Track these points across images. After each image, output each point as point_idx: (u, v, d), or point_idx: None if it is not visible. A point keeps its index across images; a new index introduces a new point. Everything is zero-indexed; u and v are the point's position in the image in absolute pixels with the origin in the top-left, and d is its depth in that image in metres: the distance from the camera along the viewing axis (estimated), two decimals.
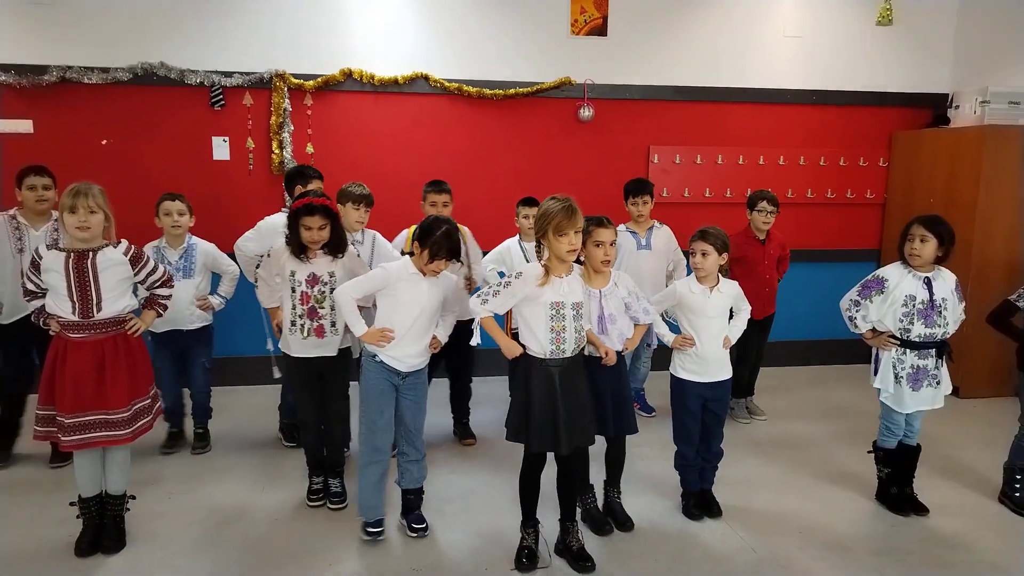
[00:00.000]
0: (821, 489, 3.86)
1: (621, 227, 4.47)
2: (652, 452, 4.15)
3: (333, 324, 3.40)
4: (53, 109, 5.03)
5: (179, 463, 4.07)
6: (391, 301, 3.18)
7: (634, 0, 5.62)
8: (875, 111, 6.03)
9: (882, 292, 3.42)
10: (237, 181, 5.30)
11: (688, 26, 5.73)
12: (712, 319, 3.38)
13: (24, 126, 5.02)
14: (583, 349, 3.03)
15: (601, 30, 5.61)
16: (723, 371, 3.43)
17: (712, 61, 5.79)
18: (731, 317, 3.53)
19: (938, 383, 3.45)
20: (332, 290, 3.32)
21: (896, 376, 3.43)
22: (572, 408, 2.91)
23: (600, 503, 3.47)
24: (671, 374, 3.48)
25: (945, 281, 3.42)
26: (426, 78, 5.41)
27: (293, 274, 3.36)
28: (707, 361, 3.37)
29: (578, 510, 3.28)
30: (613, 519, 3.40)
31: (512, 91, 5.51)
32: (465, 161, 5.54)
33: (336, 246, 3.38)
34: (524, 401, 2.93)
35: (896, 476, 3.60)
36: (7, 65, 4.92)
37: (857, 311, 3.49)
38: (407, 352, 3.20)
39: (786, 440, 4.52)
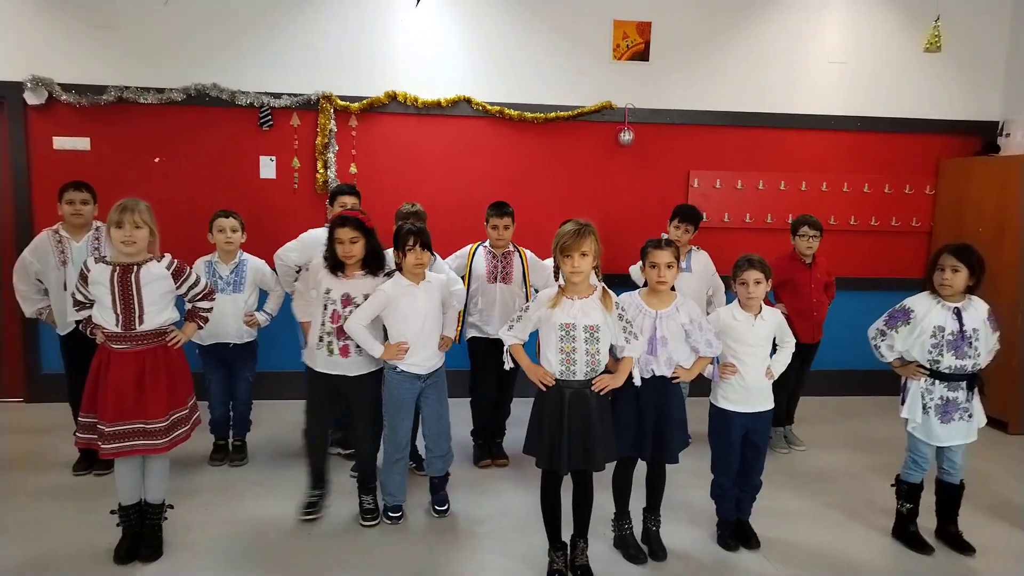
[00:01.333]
0: (859, 525, 3.77)
1: None
2: (688, 480, 4.00)
3: (359, 345, 3.44)
4: (109, 127, 5.23)
5: (217, 474, 4.15)
6: (396, 316, 3.41)
7: (677, 26, 5.64)
8: (921, 138, 5.94)
9: (908, 323, 3.37)
10: (282, 199, 5.42)
11: (731, 51, 5.73)
12: (755, 347, 3.33)
13: (82, 143, 5.21)
14: (602, 374, 3.01)
15: (643, 55, 5.64)
16: (765, 402, 3.37)
17: (754, 86, 5.78)
18: (774, 349, 3.47)
19: (970, 416, 3.35)
20: None
21: (924, 407, 3.35)
22: (578, 431, 2.93)
23: (640, 530, 3.42)
24: (711, 403, 3.43)
25: (977, 311, 3.33)
26: (468, 101, 5.49)
27: (328, 292, 3.43)
28: (750, 391, 3.31)
29: (612, 535, 3.36)
30: (648, 547, 3.36)
31: (553, 115, 5.56)
32: (506, 184, 5.59)
33: (373, 263, 3.45)
34: (537, 418, 3.02)
35: (916, 515, 3.52)
36: (68, 85, 5.12)
37: (883, 340, 3.44)
38: (422, 356, 3.46)
39: (825, 472, 4.43)
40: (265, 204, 5.37)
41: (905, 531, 3.53)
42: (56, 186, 5.17)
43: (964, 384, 3.33)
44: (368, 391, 3.55)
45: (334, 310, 3.42)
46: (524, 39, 5.54)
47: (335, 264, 3.41)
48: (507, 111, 5.52)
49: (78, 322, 3.23)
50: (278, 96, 5.32)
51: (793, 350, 3.48)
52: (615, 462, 3.21)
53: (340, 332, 3.42)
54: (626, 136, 5.61)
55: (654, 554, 3.35)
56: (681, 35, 5.66)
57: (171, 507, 3.37)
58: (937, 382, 3.33)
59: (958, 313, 3.29)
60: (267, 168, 5.42)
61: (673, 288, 3.26)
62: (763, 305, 3.39)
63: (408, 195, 5.35)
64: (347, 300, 3.42)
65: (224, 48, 5.29)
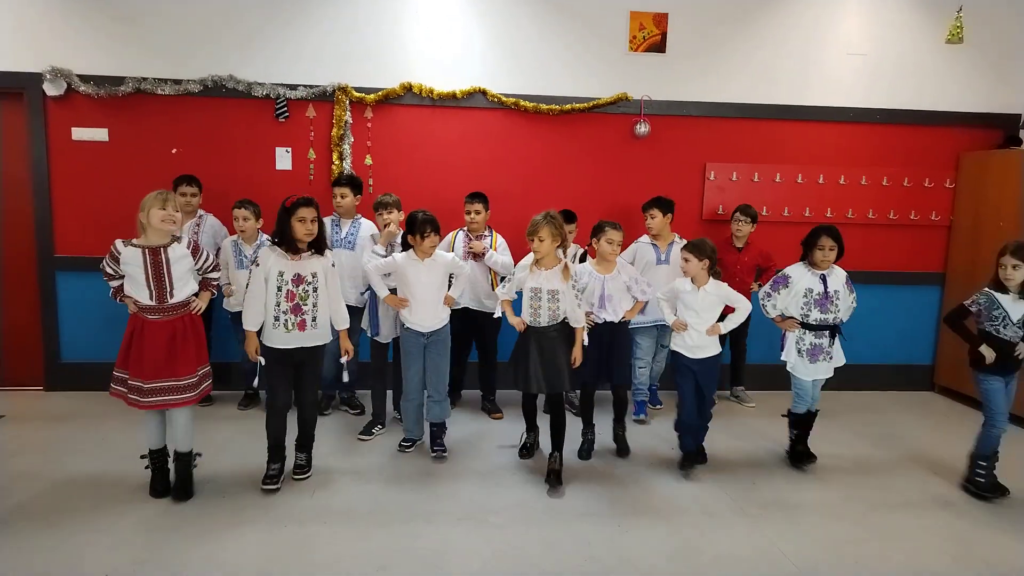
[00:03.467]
0: (879, 517, 3.75)
1: (644, 239, 5.10)
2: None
3: (314, 319, 3.78)
4: (127, 118, 5.27)
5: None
6: (402, 282, 4.20)
7: (693, 17, 5.60)
8: (942, 131, 5.87)
9: (787, 286, 4.18)
10: (298, 190, 5.36)
11: (748, 43, 5.68)
12: (699, 312, 4.11)
13: (100, 134, 5.26)
14: (562, 321, 3.93)
15: (659, 47, 5.60)
16: (708, 351, 4.14)
17: (772, 78, 5.73)
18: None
19: (831, 358, 4.22)
20: (315, 289, 3.76)
21: (799, 351, 4.20)
22: (542, 362, 3.90)
23: (612, 436, 4.50)
24: (671, 349, 4.28)
25: (838, 277, 4.19)
26: (484, 93, 5.48)
27: (281, 274, 3.71)
28: (696, 344, 4.13)
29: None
30: (618, 448, 4.44)
31: (569, 106, 5.54)
32: (520, 175, 5.59)
33: (321, 244, 3.80)
34: (515, 356, 4.02)
35: (805, 438, 4.36)
36: (87, 76, 5.16)
37: (769, 301, 4.27)
38: (423, 318, 4.19)
39: (842, 466, 4.40)
40: (281, 195, 5.26)
41: (794, 451, 4.39)
42: (75, 176, 5.27)
43: (827, 333, 4.18)
44: (318, 361, 3.93)
45: (289, 290, 3.72)
46: (540, 30, 5.52)
47: (291, 244, 3.68)
48: (523, 103, 5.50)
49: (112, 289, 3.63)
50: (294, 88, 5.34)
51: (747, 311, 4.17)
52: (581, 391, 4.41)
53: (295, 309, 3.73)
54: (642, 128, 5.58)
55: (620, 452, 4.42)
56: (698, 27, 5.62)
57: (199, 455, 3.80)
58: (808, 332, 4.17)
59: (824, 279, 4.13)
60: (283, 159, 5.44)
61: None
62: (710, 279, 4.10)
63: (423, 186, 5.39)
64: (299, 279, 3.73)
65: (241, 40, 5.31)
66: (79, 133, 5.25)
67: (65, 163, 5.25)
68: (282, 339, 3.74)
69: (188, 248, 3.56)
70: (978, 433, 4.00)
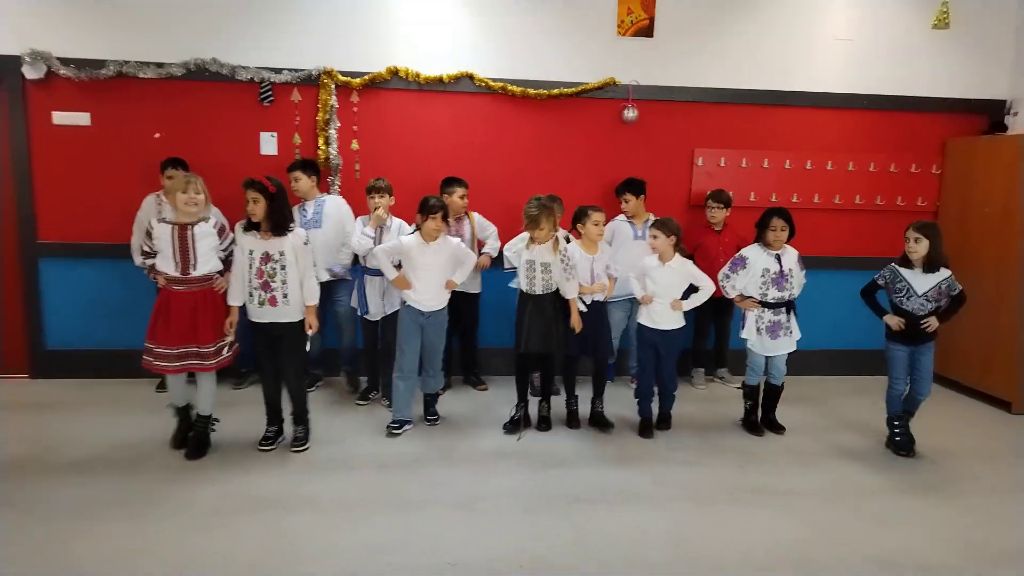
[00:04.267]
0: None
1: (621, 217, 5.36)
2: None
3: (285, 296, 3.98)
4: (109, 102, 5.18)
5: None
6: (408, 263, 4.41)
7: (682, 2, 5.57)
8: (928, 117, 5.88)
9: (745, 267, 4.48)
10: (283, 176, 5.34)
11: (736, 28, 5.66)
12: (664, 286, 4.45)
13: (82, 118, 5.17)
14: (555, 291, 4.40)
15: (647, 31, 5.57)
16: (671, 323, 4.49)
17: (760, 64, 5.71)
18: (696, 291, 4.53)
19: (791, 332, 4.52)
20: (283, 267, 3.95)
21: (758, 329, 4.50)
22: (538, 325, 4.38)
23: (590, 413, 4.74)
24: (637, 322, 4.64)
25: (791, 256, 4.48)
26: (471, 77, 5.43)
27: (251, 252, 3.95)
28: (659, 316, 4.49)
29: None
30: (597, 423, 4.66)
31: (556, 91, 5.51)
32: (508, 160, 5.56)
33: (276, 225, 3.94)
34: (519, 319, 4.46)
35: (757, 408, 4.72)
36: (67, 59, 5.07)
37: (728, 281, 4.55)
38: (424, 298, 4.41)
39: (832, 451, 4.44)
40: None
41: (748, 420, 4.72)
42: (56, 161, 5.18)
43: (784, 309, 4.47)
44: (297, 337, 4.08)
45: (258, 268, 3.94)
46: (528, 15, 5.47)
47: (252, 224, 3.94)
48: (510, 87, 5.46)
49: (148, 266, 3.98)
50: (279, 71, 5.27)
51: (710, 292, 4.46)
52: (565, 362, 4.69)
53: (265, 286, 3.96)
54: (630, 113, 5.56)
55: (602, 427, 4.63)
56: (686, 11, 5.59)
57: (217, 420, 4.18)
58: (766, 310, 4.46)
59: (778, 258, 4.43)
60: (268, 144, 5.37)
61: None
62: (677, 256, 4.44)
63: (410, 171, 5.34)
64: (266, 258, 3.95)
65: (224, 22, 5.22)
66: (60, 117, 5.16)
67: (46, 148, 5.16)
68: (256, 313, 4.02)
69: (215, 228, 3.94)
70: (885, 396, 4.44)
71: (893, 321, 4.29)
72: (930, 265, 4.18)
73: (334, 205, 5.08)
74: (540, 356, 4.53)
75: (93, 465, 3.90)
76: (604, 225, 4.55)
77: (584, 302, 4.49)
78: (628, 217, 5.33)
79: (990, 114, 5.87)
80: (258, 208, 3.89)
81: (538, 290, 4.39)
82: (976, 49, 5.87)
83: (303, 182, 4.99)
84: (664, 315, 4.48)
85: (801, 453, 4.37)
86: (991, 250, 5.48)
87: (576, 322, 4.39)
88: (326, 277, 4.88)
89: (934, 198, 5.98)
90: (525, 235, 4.45)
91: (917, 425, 4.46)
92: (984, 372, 5.53)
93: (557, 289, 4.42)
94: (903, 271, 4.28)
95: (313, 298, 4.08)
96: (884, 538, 3.39)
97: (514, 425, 4.56)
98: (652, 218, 5.17)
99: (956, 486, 3.97)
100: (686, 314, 4.57)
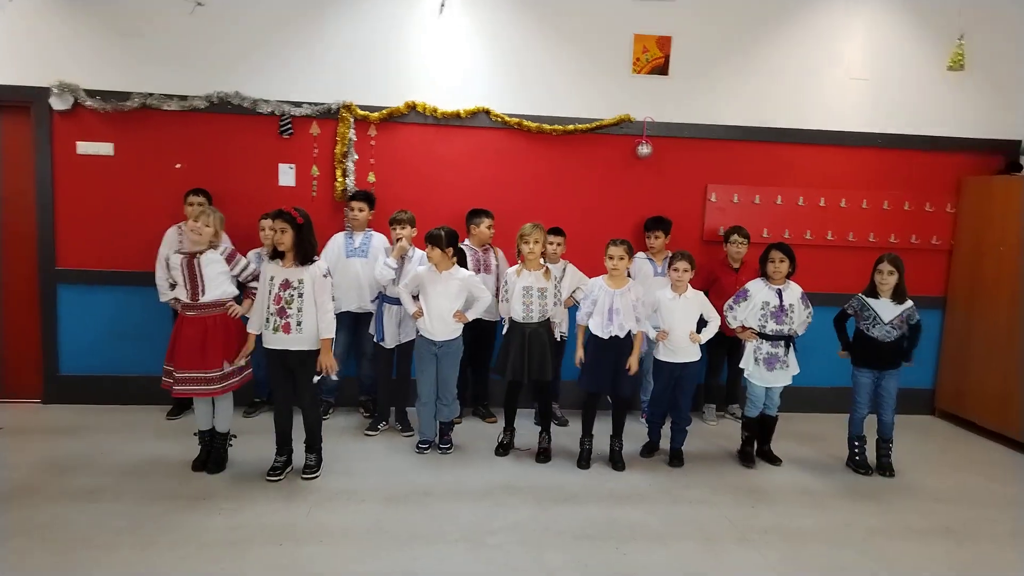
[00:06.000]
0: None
1: (641, 255, 5.42)
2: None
3: (299, 324, 4.02)
4: (133, 133, 5.29)
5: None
6: (423, 292, 4.55)
7: (697, 40, 5.65)
8: (943, 156, 5.89)
9: (746, 299, 4.64)
10: (302, 207, 5.43)
11: (750, 67, 5.72)
12: (679, 318, 4.55)
13: (106, 149, 5.29)
14: (548, 319, 4.55)
15: (662, 69, 5.64)
16: (689, 356, 4.60)
17: (774, 101, 5.76)
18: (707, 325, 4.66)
19: (787, 366, 4.61)
20: (300, 295, 4.01)
21: (756, 360, 4.62)
22: (533, 354, 4.47)
23: (608, 450, 4.66)
24: (654, 356, 4.71)
25: (793, 292, 4.63)
26: (487, 113, 5.51)
27: (272, 278, 4.04)
28: (676, 349, 4.58)
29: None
30: (612, 461, 4.59)
31: (572, 127, 5.57)
32: (523, 194, 5.61)
33: (303, 256, 4.04)
34: (506, 348, 4.54)
35: (754, 440, 4.78)
36: (93, 91, 5.20)
37: (731, 312, 4.69)
38: (436, 328, 4.53)
39: (842, 491, 4.39)
40: None
41: (743, 452, 4.79)
42: (79, 189, 5.29)
43: (782, 343, 4.58)
44: (310, 366, 4.11)
45: (276, 294, 4.01)
46: (544, 52, 5.56)
47: (277, 252, 4.04)
48: (526, 123, 5.53)
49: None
50: (299, 105, 5.37)
51: (717, 325, 4.65)
52: (585, 399, 4.67)
53: (281, 312, 4.02)
54: (644, 149, 5.61)
55: (615, 465, 4.57)
56: (701, 50, 5.66)
57: (235, 436, 4.40)
58: (764, 342, 4.59)
59: (779, 293, 4.58)
60: (286, 176, 5.46)
61: (628, 275, 4.60)
62: (689, 287, 4.58)
63: (426, 204, 5.40)
64: (285, 284, 4.02)
65: (246, 57, 5.35)
66: (84, 147, 5.27)
67: (69, 177, 5.27)
68: (271, 339, 4.06)
69: (223, 255, 4.11)
70: (848, 418, 4.75)
71: (845, 355, 4.76)
72: (899, 295, 4.55)
73: (380, 241, 5.18)
74: (536, 385, 4.61)
75: (104, 492, 3.91)
76: (620, 259, 4.45)
77: (604, 337, 4.44)
78: (649, 253, 5.43)
79: (1005, 154, 5.87)
80: (285, 238, 3.98)
81: (535, 317, 4.49)
82: (990, 89, 5.89)
83: (365, 214, 5.15)
84: (682, 347, 4.56)
85: (813, 492, 4.33)
86: (1006, 289, 5.45)
87: (632, 364, 4.45)
88: (356, 308, 5.13)
89: (948, 236, 5.96)
90: (516, 266, 4.58)
91: (932, 465, 4.42)
92: (1000, 412, 5.46)
93: (548, 319, 4.57)
94: (870, 300, 4.62)
95: (328, 331, 4.09)
96: None
97: (504, 450, 4.73)
98: (669, 255, 5.15)
99: (971, 530, 3.90)
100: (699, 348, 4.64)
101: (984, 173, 5.87)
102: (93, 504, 3.76)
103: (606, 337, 4.43)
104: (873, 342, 4.57)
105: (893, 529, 3.88)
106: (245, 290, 4.27)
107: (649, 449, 4.79)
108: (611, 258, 4.47)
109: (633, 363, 4.46)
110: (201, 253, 4.05)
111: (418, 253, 4.87)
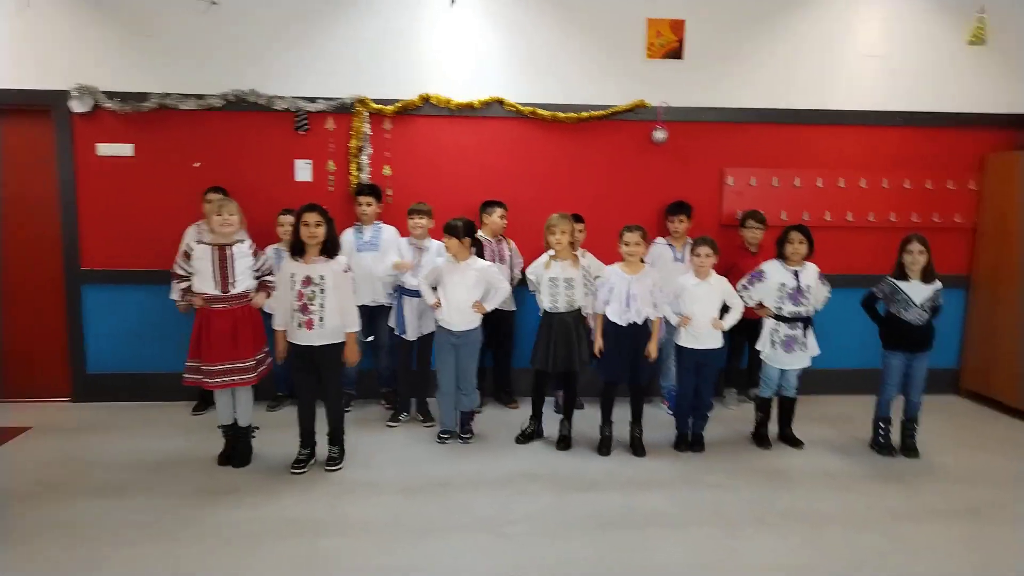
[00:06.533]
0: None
1: (660, 240, 5.43)
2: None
3: (321, 319, 4.08)
4: (151, 133, 5.36)
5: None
6: (442, 283, 4.59)
7: (710, 24, 5.59)
8: (965, 132, 5.79)
9: (762, 280, 4.63)
10: (317, 201, 5.47)
11: (765, 48, 5.66)
12: (704, 304, 4.50)
13: (125, 149, 5.36)
14: (579, 308, 4.55)
15: (676, 53, 5.59)
16: (712, 342, 4.55)
17: (790, 82, 5.69)
18: (728, 310, 4.60)
19: (806, 348, 4.61)
20: (322, 291, 4.06)
21: (773, 342, 4.62)
22: (560, 343, 4.49)
23: (628, 438, 4.69)
24: (675, 343, 4.67)
25: (810, 273, 4.61)
26: (501, 102, 5.51)
27: (293, 275, 4.08)
28: (699, 335, 4.52)
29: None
30: (632, 448, 4.61)
31: (586, 114, 5.55)
32: (539, 183, 5.60)
33: (331, 248, 4.12)
34: (539, 338, 4.59)
35: (767, 421, 4.79)
36: (112, 93, 5.27)
37: (746, 292, 4.65)
38: (454, 318, 4.56)
39: (864, 472, 4.36)
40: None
41: (758, 433, 4.79)
42: (100, 190, 5.37)
43: (800, 324, 4.56)
44: (335, 360, 4.18)
45: (299, 290, 4.06)
46: (557, 39, 5.54)
47: (298, 249, 4.06)
48: (540, 111, 5.52)
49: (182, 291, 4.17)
50: (313, 100, 5.40)
51: (741, 311, 4.57)
52: (602, 386, 4.64)
53: (304, 308, 4.07)
54: (660, 134, 5.57)
55: (636, 451, 4.58)
56: (715, 32, 5.60)
57: (257, 428, 4.46)
58: (782, 324, 4.58)
59: (796, 274, 4.57)
60: (303, 171, 5.50)
61: (643, 260, 4.61)
62: (712, 272, 4.52)
63: (442, 195, 5.41)
64: (307, 281, 4.06)
65: (261, 55, 5.38)
66: (104, 148, 5.35)
67: (91, 178, 5.36)
68: (296, 336, 4.13)
69: (250, 249, 4.17)
70: (876, 400, 4.71)
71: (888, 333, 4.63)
72: (928, 275, 4.48)
73: (391, 233, 5.21)
74: (563, 374, 4.63)
75: (130, 488, 4.00)
76: (636, 245, 4.45)
77: (622, 324, 4.47)
78: (669, 239, 5.40)
79: None
80: (320, 231, 4.05)
81: (561, 307, 4.50)
82: (1013, 63, 5.77)
83: (373, 208, 5.17)
84: (705, 333, 4.52)
85: (835, 475, 4.30)
86: None
87: (598, 343, 4.52)
88: (370, 300, 5.10)
89: (972, 214, 5.86)
90: (545, 256, 4.57)
91: (957, 445, 4.37)
92: None
93: (579, 308, 4.55)
94: (900, 284, 4.53)
95: (354, 325, 4.18)
96: (918, 566, 3.31)
97: (526, 438, 4.75)
98: (690, 241, 5.14)
99: (996, 511, 3.86)
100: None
101: (1008, 149, 5.76)
102: (120, 500, 3.84)
103: (624, 324, 4.44)
104: (906, 325, 4.50)
105: (917, 512, 3.85)
106: (260, 283, 4.32)
107: (680, 442, 4.72)
108: (627, 244, 4.46)
109: (652, 350, 4.48)
110: (231, 245, 4.10)
111: (435, 245, 4.90)
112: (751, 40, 5.65)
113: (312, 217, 4.04)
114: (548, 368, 4.52)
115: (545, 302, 4.54)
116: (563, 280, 4.49)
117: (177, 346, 5.36)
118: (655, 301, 4.48)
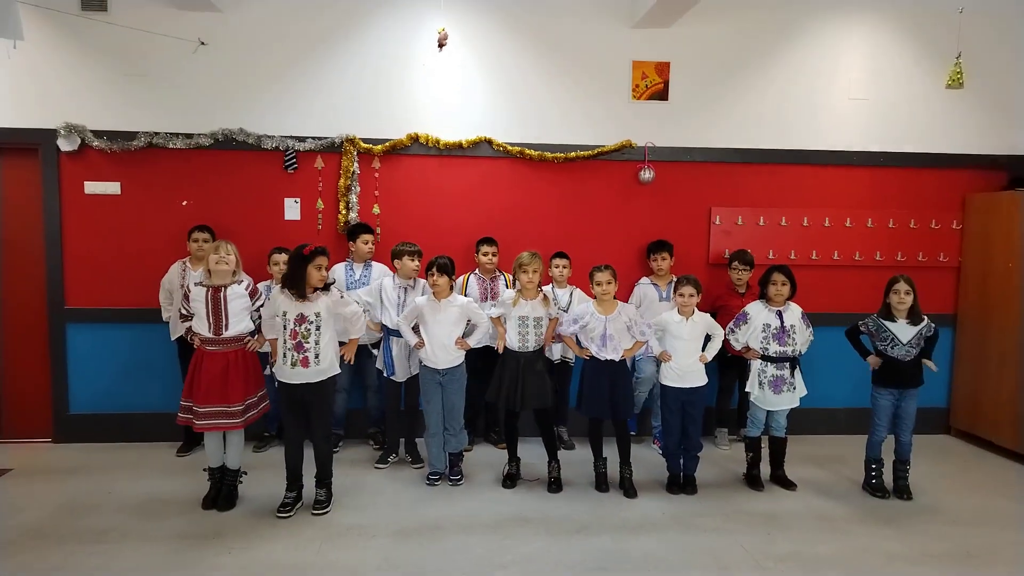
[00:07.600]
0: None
1: (645, 280, 5.48)
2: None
3: (317, 356, 4.02)
4: (139, 172, 5.34)
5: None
6: (423, 321, 4.55)
7: (695, 66, 5.68)
8: (947, 173, 5.88)
9: (747, 322, 4.64)
10: (307, 240, 5.45)
11: (749, 90, 5.75)
12: (687, 342, 4.52)
13: (112, 188, 5.33)
14: (543, 347, 4.56)
15: (662, 95, 5.67)
16: (696, 380, 4.54)
17: (775, 123, 5.78)
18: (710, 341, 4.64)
19: (794, 388, 4.61)
20: (317, 328, 4.02)
21: (760, 383, 4.61)
22: (529, 382, 4.45)
23: (618, 479, 4.62)
24: (659, 382, 4.67)
25: (793, 313, 4.63)
26: (489, 142, 5.54)
27: (285, 314, 4.02)
28: (683, 373, 4.52)
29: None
30: (623, 488, 4.54)
31: (573, 154, 5.60)
32: (526, 222, 5.62)
33: (327, 287, 4.12)
34: (499, 376, 4.53)
35: (759, 462, 4.76)
36: (100, 132, 5.26)
37: (733, 336, 4.67)
38: (438, 357, 4.53)
39: (858, 515, 4.33)
40: (289, 245, 5.39)
41: (750, 475, 4.77)
42: (87, 229, 5.32)
43: (787, 365, 4.58)
44: (326, 396, 4.14)
45: (292, 329, 3.99)
46: (544, 81, 5.61)
47: (301, 288, 3.97)
48: (528, 151, 5.56)
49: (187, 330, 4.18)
50: (302, 139, 5.41)
51: (722, 339, 4.62)
52: (588, 424, 4.66)
53: (298, 347, 4.00)
54: (646, 174, 5.62)
55: (627, 492, 4.51)
56: (700, 74, 5.70)
57: (245, 473, 4.35)
58: (769, 364, 4.58)
59: (780, 315, 4.58)
60: (292, 210, 5.49)
61: (615, 298, 4.57)
62: (696, 310, 4.54)
63: (430, 234, 5.41)
64: (301, 319, 4.01)
65: (250, 94, 5.41)
66: (92, 187, 5.32)
67: (77, 217, 5.32)
68: (288, 374, 4.04)
69: (246, 290, 4.12)
70: (867, 440, 4.69)
71: (874, 360, 4.61)
72: (914, 316, 4.50)
73: (380, 270, 5.17)
74: (536, 414, 4.61)
75: (113, 532, 3.90)
76: (607, 283, 4.44)
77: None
78: (653, 278, 5.43)
79: (1009, 170, 5.85)
80: (326, 272, 4.07)
81: (531, 346, 4.50)
82: (992, 105, 5.90)
83: (370, 245, 5.18)
84: (689, 371, 4.52)
85: (829, 518, 4.27)
86: (1015, 305, 5.40)
87: (575, 352, 4.59)
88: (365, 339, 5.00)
89: (956, 253, 5.93)
90: (511, 293, 4.59)
91: (949, 486, 4.35)
92: (1015, 430, 5.39)
93: (543, 348, 4.59)
94: (886, 323, 4.55)
95: (360, 331, 4.26)
96: None
97: (510, 481, 4.68)
98: (674, 279, 5.17)
99: (990, 554, 3.84)
100: (709, 373, 4.62)
101: (989, 189, 5.85)
102: (103, 545, 3.74)
103: (602, 359, 4.44)
104: (894, 362, 4.52)
105: (912, 554, 3.82)
106: (259, 325, 4.26)
107: (672, 483, 4.63)
108: (599, 284, 4.47)
109: (629, 353, 4.52)
110: (227, 286, 4.06)
111: (420, 283, 4.88)
112: (735, 82, 5.74)
113: (326, 260, 4.06)
114: (516, 408, 4.50)
115: (512, 341, 4.51)
116: (532, 319, 4.49)
117: (161, 386, 5.34)
118: (633, 335, 4.48)
